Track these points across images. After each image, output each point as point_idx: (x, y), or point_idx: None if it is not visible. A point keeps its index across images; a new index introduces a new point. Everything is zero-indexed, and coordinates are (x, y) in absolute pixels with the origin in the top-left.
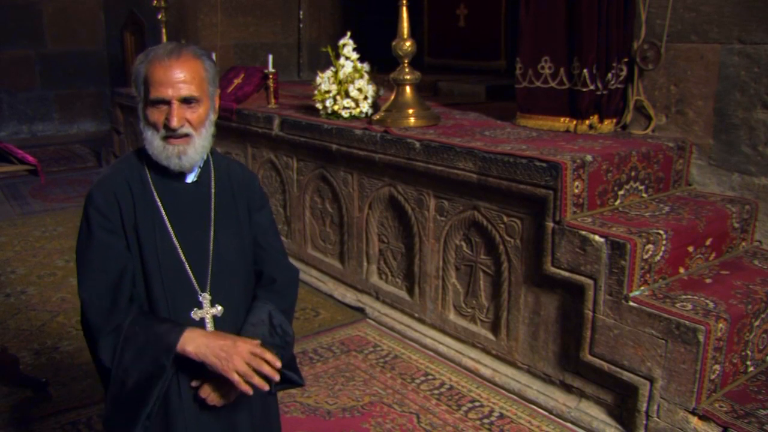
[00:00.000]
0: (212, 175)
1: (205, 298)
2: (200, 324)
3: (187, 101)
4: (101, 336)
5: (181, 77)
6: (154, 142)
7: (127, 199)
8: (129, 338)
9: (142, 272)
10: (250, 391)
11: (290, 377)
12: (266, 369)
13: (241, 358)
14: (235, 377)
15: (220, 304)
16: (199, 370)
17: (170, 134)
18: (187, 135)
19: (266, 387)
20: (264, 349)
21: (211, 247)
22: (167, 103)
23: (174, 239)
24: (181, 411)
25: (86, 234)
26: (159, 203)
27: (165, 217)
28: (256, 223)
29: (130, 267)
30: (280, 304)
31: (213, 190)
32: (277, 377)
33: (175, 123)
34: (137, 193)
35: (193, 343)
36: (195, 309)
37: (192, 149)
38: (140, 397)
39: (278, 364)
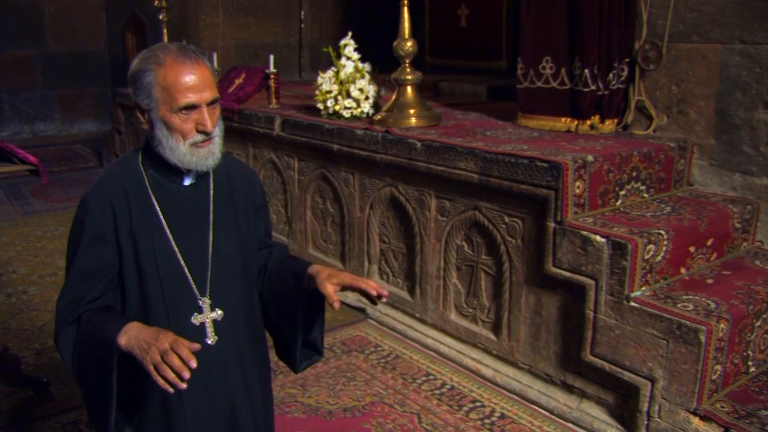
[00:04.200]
0: (211, 177)
1: (205, 302)
2: (200, 329)
3: (212, 103)
4: (58, 334)
5: (203, 80)
6: (179, 149)
7: (123, 204)
8: (84, 340)
9: (139, 277)
10: (169, 389)
11: (319, 337)
12: (176, 363)
13: (157, 350)
14: (151, 369)
15: (220, 308)
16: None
17: (204, 138)
18: (214, 136)
19: (180, 384)
20: (182, 346)
21: (210, 251)
22: (195, 108)
23: (173, 243)
24: (183, 415)
25: (75, 242)
26: (157, 207)
27: (163, 221)
28: (259, 222)
29: (114, 274)
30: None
31: (211, 192)
32: (186, 374)
33: (210, 127)
34: (133, 197)
35: (125, 336)
36: (195, 314)
37: (217, 148)
38: (102, 392)
39: (193, 363)
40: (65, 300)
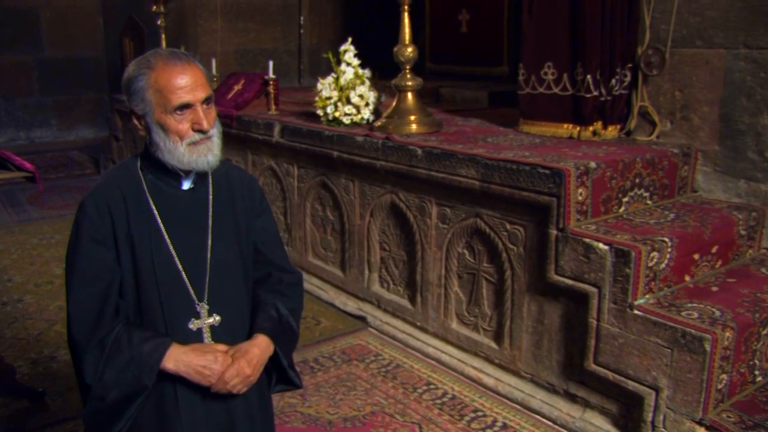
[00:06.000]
0: (210, 182)
1: (203, 307)
2: (197, 334)
3: (206, 102)
4: (84, 352)
5: (195, 80)
6: (177, 150)
7: (121, 209)
8: (111, 356)
9: (136, 283)
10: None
11: (292, 378)
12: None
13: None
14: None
15: (218, 314)
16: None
17: (201, 137)
18: (211, 135)
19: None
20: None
21: (209, 256)
22: (190, 107)
23: (170, 248)
24: (179, 422)
25: (75, 245)
26: (155, 211)
27: (161, 226)
28: (256, 229)
29: (118, 279)
30: (286, 304)
31: (210, 197)
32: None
33: (206, 125)
34: (132, 202)
35: (172, 360)
36: (192, 319)
37: (216, 147)
38: (118, 412)
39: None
40: (76, 300)
